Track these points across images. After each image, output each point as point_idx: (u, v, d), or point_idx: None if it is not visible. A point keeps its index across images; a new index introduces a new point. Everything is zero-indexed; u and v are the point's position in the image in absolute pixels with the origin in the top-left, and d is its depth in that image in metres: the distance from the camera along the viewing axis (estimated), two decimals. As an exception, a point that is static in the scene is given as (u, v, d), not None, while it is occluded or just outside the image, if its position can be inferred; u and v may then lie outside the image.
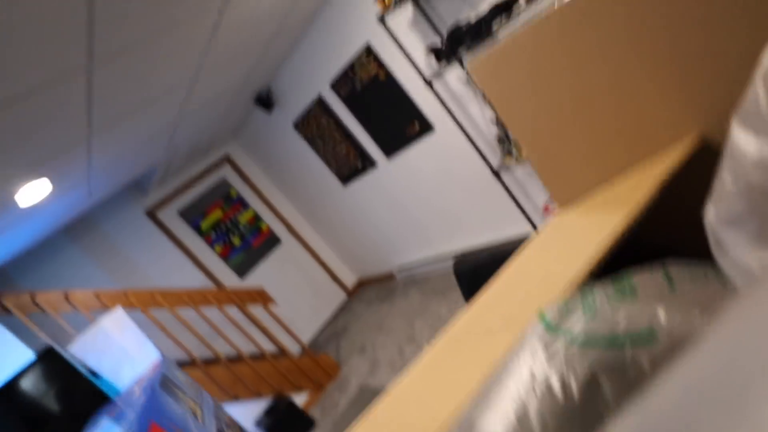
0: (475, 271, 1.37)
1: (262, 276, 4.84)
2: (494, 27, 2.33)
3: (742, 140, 0.23)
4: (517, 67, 0.64)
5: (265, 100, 4.15)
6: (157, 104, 2.64)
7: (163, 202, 4.52)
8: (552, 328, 0.39)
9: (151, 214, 4.44)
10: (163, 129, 3.13)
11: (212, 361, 3.55)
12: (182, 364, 3.50)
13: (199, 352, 3.55)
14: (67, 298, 3.00)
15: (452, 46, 2.59)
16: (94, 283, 3.83)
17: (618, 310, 0.37)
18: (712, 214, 0.26)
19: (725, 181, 0.24)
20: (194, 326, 3.43)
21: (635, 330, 0.34)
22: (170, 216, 4.53)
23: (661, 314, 0.35)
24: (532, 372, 0.36)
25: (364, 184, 4.28)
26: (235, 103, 3.88)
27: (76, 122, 2.14)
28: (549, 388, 0.33)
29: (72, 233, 3.99)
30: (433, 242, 4.13)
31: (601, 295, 0.41)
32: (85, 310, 3.02)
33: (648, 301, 0.37)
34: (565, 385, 0.33)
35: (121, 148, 2.92)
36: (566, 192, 0.79)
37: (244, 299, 3.80)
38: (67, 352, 2.53)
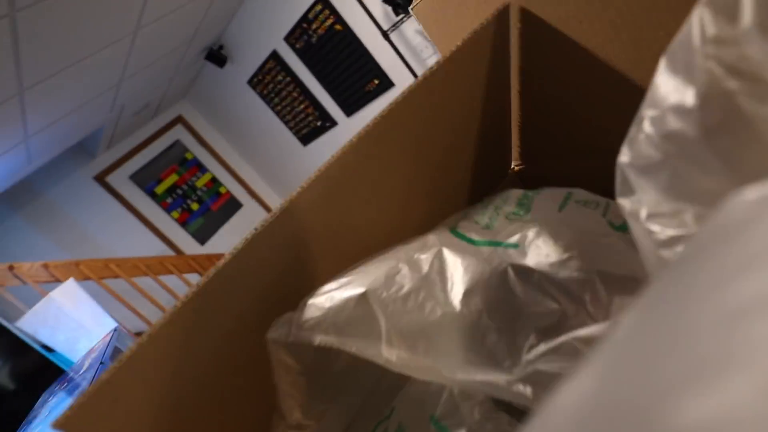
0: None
1: (223, 241, 4.72)
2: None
3: (665, 81, 0.22)
4: (461, 6, 0.61)
5: (217, 55, 3.90)
6: (96, 58, 2.42)
7: (113, 167, 4.27)
8: (455, 231, 0.46)
9: (101, 179, 4.20)
10: (107, 87, 2.90)
11: (175, 329, 3.49)
12: (144, 333, 3.43)
13: (161, 320, 3.46)
14: (12, 270, 2.83)
15: (410, -5, 2.47)
16: (42, 255, 3.63)
17: (508, 226, 0.42)
18: (625, 156, 0.25)
19: (643, 123, 0.24)
20: (155, 295, 3.33)
21: (508, 240, 0.40)
22: (121, 181, 4.29)
23: (532, 231, 0.39)
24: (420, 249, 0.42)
25: (324, 144, 4.16)
26: (185, 59, 3.64)
27: (3, 78, 1.94)
28: (417, 261, 0.39)
29: (12, 202, 3.73)
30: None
31: (504, 206, 0.46)
32: (33, 283, 2.88)
33: (534, 218, 0.41)
34: (431, 266, 0.39)
35: (61, 107, 2.70)
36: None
37: (206, 266, 3.71)
38: (17, 327, 2.42)
